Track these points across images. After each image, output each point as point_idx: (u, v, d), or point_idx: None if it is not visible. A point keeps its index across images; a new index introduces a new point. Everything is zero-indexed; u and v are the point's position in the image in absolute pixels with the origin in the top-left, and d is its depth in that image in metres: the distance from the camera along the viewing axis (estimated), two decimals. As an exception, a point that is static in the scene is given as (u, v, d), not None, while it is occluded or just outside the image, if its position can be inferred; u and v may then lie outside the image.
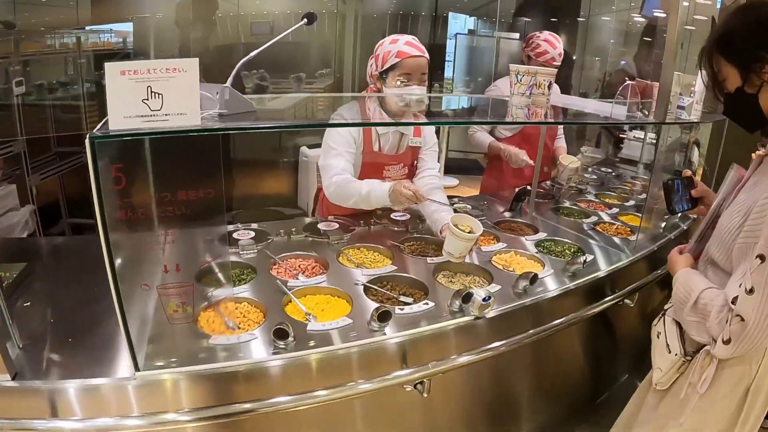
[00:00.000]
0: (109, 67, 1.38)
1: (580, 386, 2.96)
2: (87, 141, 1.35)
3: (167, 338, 1.74)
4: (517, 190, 3.16)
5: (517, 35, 8.14)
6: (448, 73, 8.06)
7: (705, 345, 1.67)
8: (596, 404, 3.09)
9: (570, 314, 2.28)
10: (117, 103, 1.39)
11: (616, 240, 2.95)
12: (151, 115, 1.39)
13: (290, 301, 2.08)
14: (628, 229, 3.12)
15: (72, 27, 4.41)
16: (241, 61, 1.65)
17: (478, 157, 7.49)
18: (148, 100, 1.38)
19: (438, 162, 3.01)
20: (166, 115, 1.39)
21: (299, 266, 2.40)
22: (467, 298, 1.99)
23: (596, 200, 3.61)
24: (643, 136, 4.89)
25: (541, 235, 2.87)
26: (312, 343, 1.81)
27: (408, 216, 2.94)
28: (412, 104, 2.58)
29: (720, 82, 1.69)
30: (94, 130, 1.41)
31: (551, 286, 2.33)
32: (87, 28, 4.46)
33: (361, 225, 2.81)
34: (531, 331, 2.12)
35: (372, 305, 2.06)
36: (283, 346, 1.76)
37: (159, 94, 1.38)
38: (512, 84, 2.52)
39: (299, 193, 5.53)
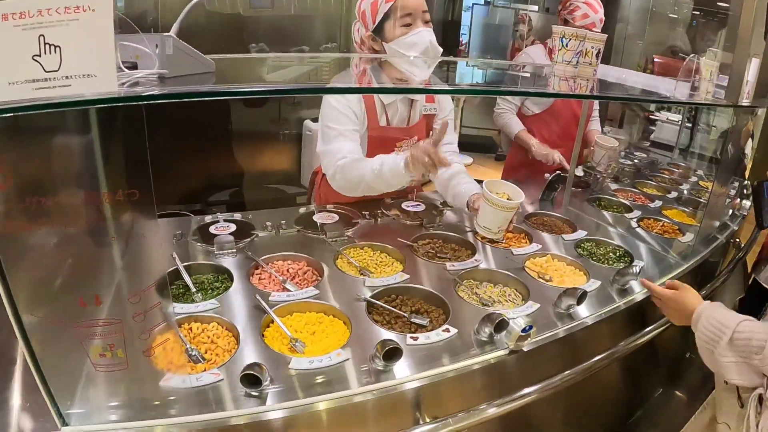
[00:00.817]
0: (-18, 4, 0.87)
1: (613, 407, 2.49)
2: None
3: (104, 381, 1.26)
4: (549, 177, 2.63)
5: (536, 7, 7.55)
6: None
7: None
8: (629, 424, 2.63)
9: (620, 343, 1.79)
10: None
11: (664, 242, 2.43)
12: (45, 80, 0.89)
13: (273, 321, 1.60)
14: (676, 227, 2.60)
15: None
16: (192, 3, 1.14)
17: (493, 134, 6.95)
18: (41, 56, 0.87)
19: (455, 135, 2.50)
20: (66, 78, 0.88)
21: (287, 271, 1.91)
22: (501, 326, 1.50)
23: (635, 190, 3.08)
24: (677, 118, 4.44)
25: (581, 234, 2.36)
26: (295, 388, 1.34)
27: (422, 206, 2.42)
28: (424, 61, 2.07)
29: None
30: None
31: (598, 304, 1.83)
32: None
33: (366, 217, 2.30)
34: (577, 368, 1.63)
35: (376, 331, 1.58)
36: (255, 395, 1.28)
37: (56, 46, 0.87)
38: (555, 49, 1.99)
39: (302, 171, 5.06)
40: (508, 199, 1.89)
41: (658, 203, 2.90)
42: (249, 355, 1.44)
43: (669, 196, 3.09)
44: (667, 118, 4.83)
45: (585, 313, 1.76)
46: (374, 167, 2.04)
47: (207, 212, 3.92)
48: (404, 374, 1.41)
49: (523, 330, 1.45)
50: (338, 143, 2.14)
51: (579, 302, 1.69)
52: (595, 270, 2.05)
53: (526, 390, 1.50)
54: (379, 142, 2.27)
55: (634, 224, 2.57)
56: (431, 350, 1.51)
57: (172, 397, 1.27)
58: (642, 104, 4.67)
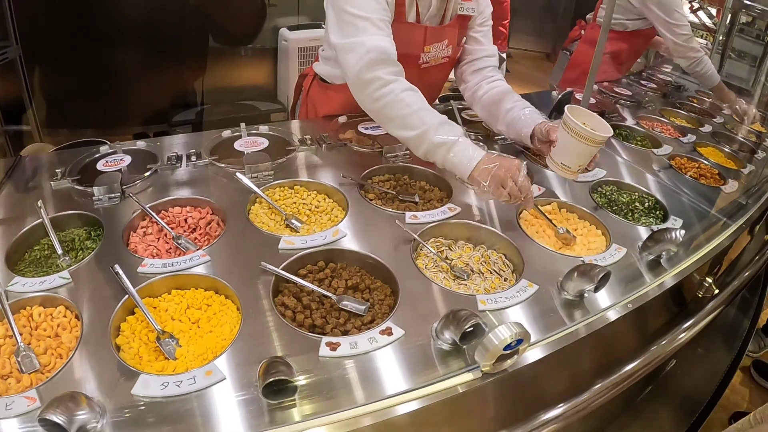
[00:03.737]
0: None
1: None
2: None
3: None
4: (559, 95, 1.95)
5: None
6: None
7: None
8: (637, 402, 2.10)
9: (653, 347, 1.19)
10: None
11: (700, 189, 1.78)
12: None
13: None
14: (716, 171, 1.95)
15: None
16: None
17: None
18: None
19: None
20: None
21: (185, 221, 1.30)
22: (474, 332, 0.89)
23: (662, 119, 2.39)
24: (703, 42, 3.78)
25: (598, 173, 1.71)
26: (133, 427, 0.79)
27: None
28: None
29: None
30: None
31: (623, 284, 1.21)
32: None
33: (307, 143, 1.63)
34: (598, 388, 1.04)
35: (280, 327, 0.97)
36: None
37: None
38: None
39: (279, 85, 4.43)
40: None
41: (690, 137, 2.23)
42: (88, 361, 0.90)
43: (702, 130, 2.41)
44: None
45: (604, 299, 1.14)
46: (437, 133, 1.38)
47: (171, 133, 3.19)
48: (308, 413, 0.82)
49: (507, 347, 0.84)
50: (370, 36, 1.45)
51: (598, 288, 1.07)
52: (617, 227, 1.42)
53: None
54: (402, 42, 1.57)
55: (665, 164, 1.91)
56: (359, 367, 0.90)
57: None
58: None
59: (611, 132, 1.39)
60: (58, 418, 0.72)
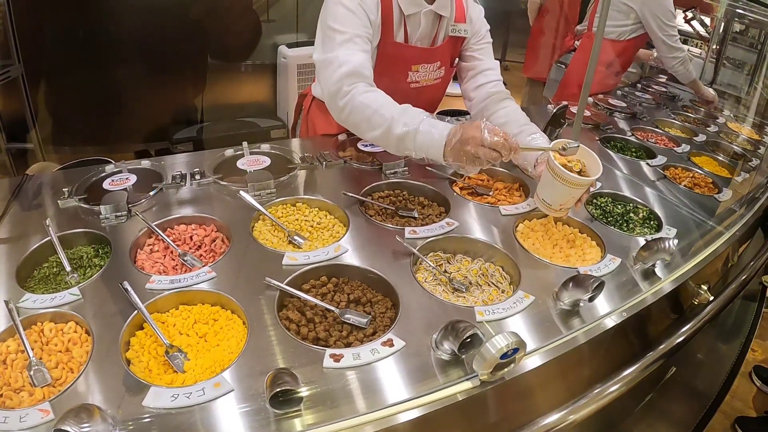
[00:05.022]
0: None
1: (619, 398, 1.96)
2: None
3: None
4: (554, 109, 1.99)
5: None
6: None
7: None
8: (636, 412, 2.12)
9: (650, 352, 1.22)
10: None
11: (694, 198, 1.83)
12: None
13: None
14: (710, 180, 1.99)
15: None
16: None
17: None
18: None
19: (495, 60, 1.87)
20: None
21: (191, 239, 1.34)
22: (472, 342, 0.93)
23: (657, 130, 2.44)
24: (698, 52, 3.84)
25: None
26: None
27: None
28: None
29: None
30: None
31: (617, 293, 1.25)
32: None
33: (307, 161, 1.68)
34: (595, 394, 1.07)
35: (285, 341, 1.01)
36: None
37: None
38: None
39: (278, 101, 4.47)
40: (580, 171, 1.33)
41: (685, 147, 2.28)
42: (99, 375, 0.94)
43: (696, 139, 2.45)
44: (688, 49, 4.17)
45: (599, 308, 1.18)
46: (399, 125, 1.41)
47: (173, 151, 3.22)
48: (312, 422, 0.85)
49: (504, 355, 0.88)
50: (345, 50, 1.50)
51: (593, 297, 1.11)
52: (612, 238, 1.46)
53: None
54: (389, 61, 1.65)
55: (660, 175, 1.95)
56: (362, 377, 0.94)
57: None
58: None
59: (599, 173, 1.34)
60: (72, 429, 0.75)
